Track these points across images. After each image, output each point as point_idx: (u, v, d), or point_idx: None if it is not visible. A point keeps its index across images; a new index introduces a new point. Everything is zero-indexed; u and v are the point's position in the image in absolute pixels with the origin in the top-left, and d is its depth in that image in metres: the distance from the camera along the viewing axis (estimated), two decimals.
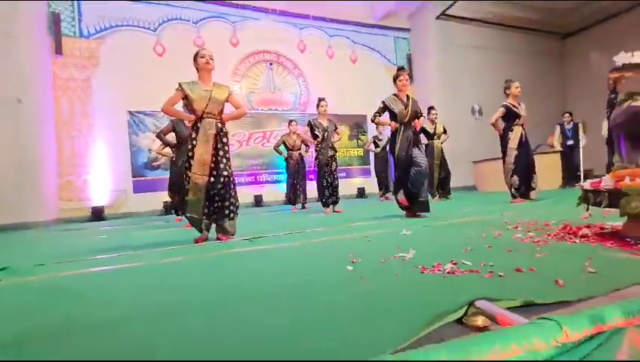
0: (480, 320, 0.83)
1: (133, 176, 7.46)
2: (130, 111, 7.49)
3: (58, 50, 6.85)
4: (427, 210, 3.54)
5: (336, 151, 5.10)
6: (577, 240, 1.74)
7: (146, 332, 0.95)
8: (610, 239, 1.69)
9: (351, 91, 9.38)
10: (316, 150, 5.02)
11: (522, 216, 2.83)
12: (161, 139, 4.69)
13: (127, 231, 4.35)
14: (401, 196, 3.61)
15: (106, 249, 2.73)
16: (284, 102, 9.04)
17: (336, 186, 4.98)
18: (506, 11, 10.31)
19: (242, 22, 8.61)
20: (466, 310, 0.86)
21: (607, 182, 1.67)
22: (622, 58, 1.72)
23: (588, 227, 2.04)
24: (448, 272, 1.31)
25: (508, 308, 0.88)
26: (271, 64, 8.96)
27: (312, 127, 5.01)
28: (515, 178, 4.52)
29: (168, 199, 7.09)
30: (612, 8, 9.73)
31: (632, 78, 1.77)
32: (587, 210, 1.78)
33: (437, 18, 9.65)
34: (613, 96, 1.73)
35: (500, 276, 1.23)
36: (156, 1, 7.82)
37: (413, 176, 3.47)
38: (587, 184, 1.77)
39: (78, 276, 1.81)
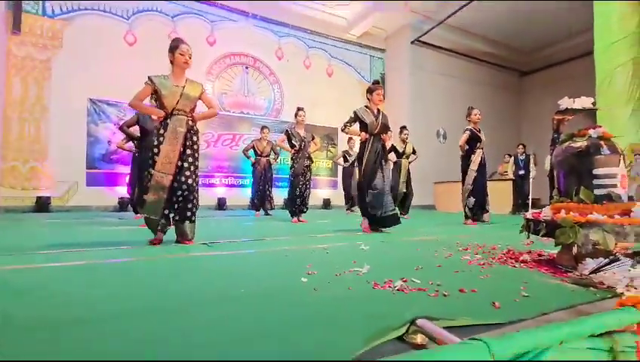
0: (419, 338, 0.87)
1: (87, 168, 7.02)
2: (91, 99, 7.09)
3: (16, 26, 6.38)
4: (398, 222, 3.62)
5: (312, 162, 5.12)
6: (517, 265, 1.88)
7: (84, 335, 0.91)
8: (546, 266, 1.84)
9: (324, 103, 9.53)
10: (292, 159, 5.00)
11: (473, 239, 3.00)
12: (124, 132, 4.47)
13: (75, 226, 4.07)
14: (365, 224, 3.68)
15: (51, 244, 2.54)
16: (257, 106, 8.99)
17: (307, 196, 5.00)
18: (474, 45, 11.04)
19: (221, 22, 8.51)
20: (408, 328, 0.90)
21: (546, 213, 1.83)
22: (565, 103, 1.91)
23: (529, 253, 2.20)
24: (398, 289, 1.37)
25: (446, 327, 0.94)
26: (247, 68, 8.90)
27: (289, 136, 4.98)
28: (472, 198, 4.80)
29: (124, 195, 6.77)
30: (567, 53, 10.69)
31: (573, 120, 1.96)
32: (528, 237, 1.93)
33: (411, 43, 10.11)
34: (556, 135, 1.91)
35: (445, 295, 1.30)
36: None
37: (373, 197, 3.56)
38: (529, 213, 1.92)
39: (15, 272, 1.67)
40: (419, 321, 0.89)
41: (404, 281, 1.47)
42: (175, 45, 2.57)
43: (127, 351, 0.83)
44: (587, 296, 1.30)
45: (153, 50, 6.50)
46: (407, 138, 6.20)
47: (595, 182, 1.71)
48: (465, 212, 4.85)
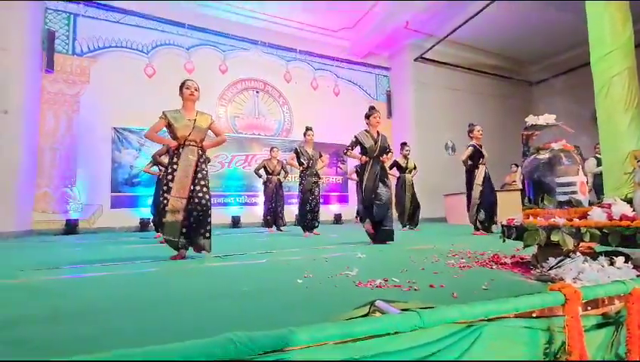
0: (378, 315, 1.11)
1: (111, 192, 7.52)
2: (115, 128, 7.66)
3: (49, 65, 7.05)
4: (391, 238, 3.82)
5: (320, 178, 5.42)
6: (495, 267, 2.07)
7: (125, 322, 1.19)
8: (520, 266, 2.03)
9: (333, 122, 9.86)
10: (301, 176, 5.32)
11: (469, 247, 3.17)
12: (156, 160, 4.90)
13: (102, 245, 4.45)
14: (367, 224, 3.91)
15: (83, 260, 2.88)
16: (267, 127, 9.42)
17: (317, 211, 5.27)
18: (477, 58, 11.27)
19: (232, 51, 9.09)
20: (370, 308, 1.14)
21: (518, 219, 2.03)
22: (531, 120, 2.14)
23: (513, 257, 2.38)
24: (377, 286, 1.60)
25: (403, 310, 1.17)
26: (257, 92, 9.40)
27: (298, 154, 5.32)
28: (482, 212, 4.94)
29: (144, 216, 7.22)
30: (575, 61, 10.63)
31: (540, 135, 2.18)
32: (504, 241, 2.13)
33: (415, 60, 10.44)
34: (526, 148, 2.12)
35: (415, 290, 1.52)
36: (150, 27, 8.22)
37: (376, 209, 3.79)
38: (504, 220, 2.12)
39: (58, 280, 1.99)
40: (377, 302, 1.13)
41: (385, 280, 1.70)
42: (182, 84, 2.97)
43: (135, 329, 1.11)
44: (539, 288, 1.50)
45: (171, 80, 7.04)
46: (408, 154, 6.41)
47: (558, 189, 1.91)
48: (475, 224, 4.98)
